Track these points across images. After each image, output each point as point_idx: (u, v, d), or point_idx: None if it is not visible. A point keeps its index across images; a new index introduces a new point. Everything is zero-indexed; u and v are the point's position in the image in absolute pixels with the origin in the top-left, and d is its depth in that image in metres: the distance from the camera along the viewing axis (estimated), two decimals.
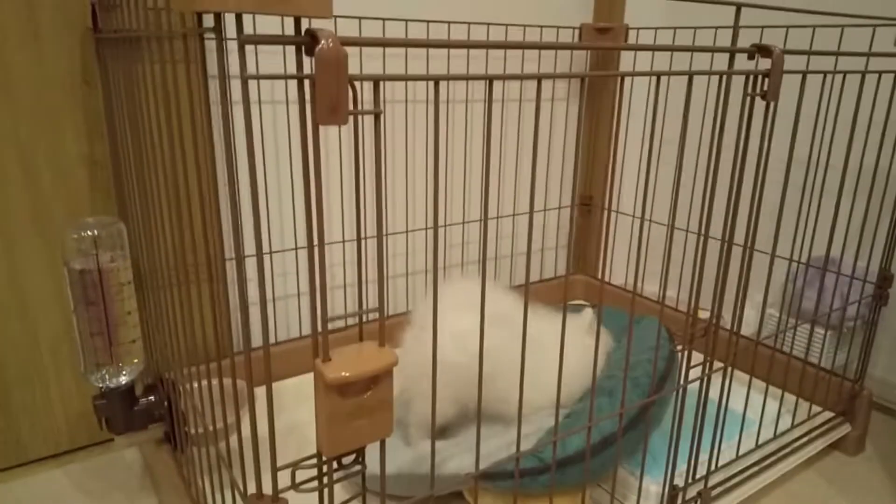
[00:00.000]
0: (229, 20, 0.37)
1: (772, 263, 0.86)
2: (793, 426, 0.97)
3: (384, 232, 0.55)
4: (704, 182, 0.66)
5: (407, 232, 1.29)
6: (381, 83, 0.41)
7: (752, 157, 0.68)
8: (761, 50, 0.60)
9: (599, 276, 1.50)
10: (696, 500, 0.80)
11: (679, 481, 0.80)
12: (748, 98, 0.62)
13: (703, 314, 0.78)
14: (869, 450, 1.06)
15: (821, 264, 1.05)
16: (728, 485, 0.87)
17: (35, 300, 0.94)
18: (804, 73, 0.73)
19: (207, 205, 1.04)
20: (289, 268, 1.19)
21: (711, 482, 0.84)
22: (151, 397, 0.86)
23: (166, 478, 0.86)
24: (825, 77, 0.84)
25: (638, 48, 0.55)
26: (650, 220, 1.45)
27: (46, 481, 0.96)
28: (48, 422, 0.99)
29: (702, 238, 0.69)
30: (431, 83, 0.43)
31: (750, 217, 0.75)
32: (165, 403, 0.85)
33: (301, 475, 0.49)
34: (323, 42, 0.36)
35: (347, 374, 0.43)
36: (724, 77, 0.61)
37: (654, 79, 0.56)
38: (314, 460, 0.48)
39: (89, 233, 0.76)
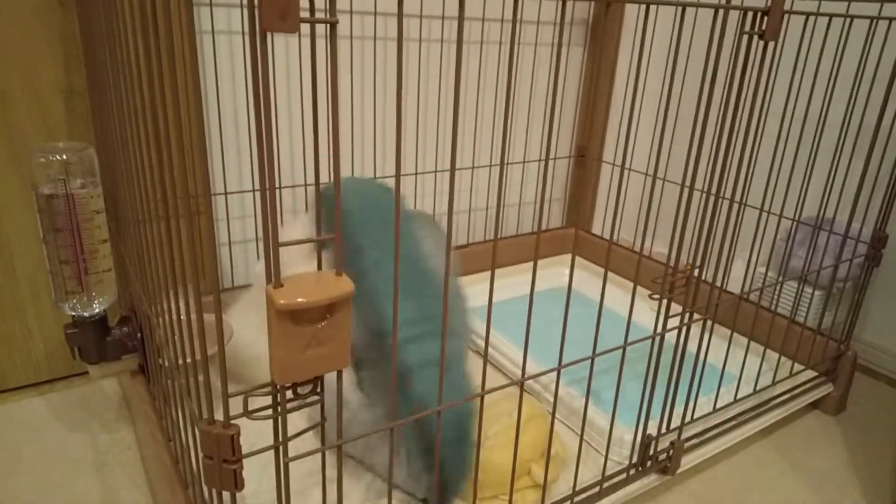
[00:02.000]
0: None
1: (759, 216, 0.84)
2: (774, 383, 0.97)
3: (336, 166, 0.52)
4: (692, 127, 0.63)
5: (416, 174, 1.27)
6: None
7: (747, 107, 0.65)
8: None
9: (589, 230, 1.48)
10: (668, 450, 0.80)
11: (654, 431, 0.79)
12: (744, 37, 0.59)
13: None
14: (850, 410, 1.06)
15: (813, 223, 1.02)
16: (703, 437, 0.86)
17: (11, 231, 0.93)
18: (807, 15, 0.69)
19: (195, 137, 1.01)
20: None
21: (686, 434, 0.84)
22: (125, 328, 0.85)
23: (140, 410, 0.86)
24: (830, 21, 0.80)
25: None
26: (629, 169, 1.42)
27: (26, 408, 0.96)
28: (27, 351, 0.99)
29: (686, 189, 0.66)
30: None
31: (739, 169, 0.73)
32: (139, 335, 0.84)
33: (259, 403, 0.48)
34: None
35: (299, 301, 0.41)
36: (721, 12, 0.57)
37: (643, 8, 0.53)
38: (268, 388, 0.46)
39: (58, 157, 0.73)
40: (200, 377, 0.49)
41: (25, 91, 0.88)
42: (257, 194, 1.13)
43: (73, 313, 0.80)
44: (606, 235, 1.55)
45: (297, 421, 0.84)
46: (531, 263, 1.41)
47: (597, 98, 1.42)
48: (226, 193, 1.09)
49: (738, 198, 0.82)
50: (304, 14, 0.37)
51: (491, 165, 1.37)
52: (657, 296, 0.68)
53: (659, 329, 0.69)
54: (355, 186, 0.90)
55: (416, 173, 1.28)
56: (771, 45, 0.60)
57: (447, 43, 1.22)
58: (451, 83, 1.26)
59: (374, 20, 1.13)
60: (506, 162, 1.39)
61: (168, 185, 0.53)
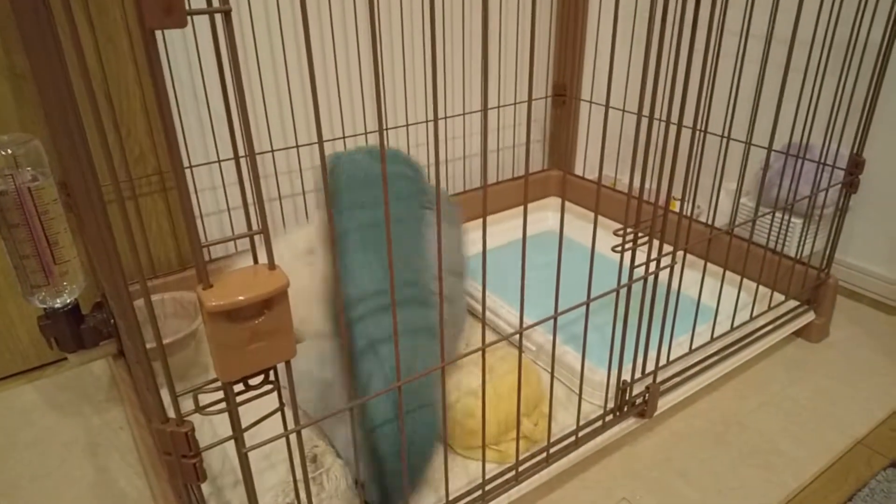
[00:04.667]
0: None
1: (725, 144, 0.81)
2: (753, 316, 0.97)
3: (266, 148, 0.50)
4: (647, 52, 0.60)
5: (407, 125, 1.25)
6: None
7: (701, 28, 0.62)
8: None
9: (572, 170, 1.46)
10: (643, 395, 0.81)
11: (630, 371, 0.80)
12: None
13: (675, 204, 0.74)
14: (833, 335, 1.07)
15: (788, 150, 1.00)
16: (681, 377, 0.87)
17: None
18: None
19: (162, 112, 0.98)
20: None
21: (664, 375, 0.84)
22: (99, 315, 0.85)
23: (126, 392, 0.87)
24: None
25: None
26: (608, 106, 1.38)
27: (17, 396, 0.98)
28: (11, 341, 1.00)
29: (652, 120, 0.64)
30: None
31: (700, 98, 0.70)
32: (112, 321, 0.84)
33: (214, 397, 0.48)
34: None
35: (231, 301, 0.41)
36: None
37: None
38: (217, 384, 0.46)
39: (3, 152, 0.71)
40: (150, 376, 0.49)
41: None
42: (241, 162, 1.11)
43: (44, 306, 0.80)
44: (585, 174, 1.53)
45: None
46: (514, 210, 1.40)
47: (574, 31, 1.37)
48: (191, 167, 1.07)
49: (704, 126, 0.79)
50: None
51: (462, 114, 1.33)
52: (619, 248, 0.67)
53: (624, 280, 0.69)
54: (350, 156, 0.88)
55: (386, 128, 1.26)
56: None
57: None
58: (422, 31, 1.21)
59: None
60: (485, 108, 1.36)
61: (114, 166, 0.52)
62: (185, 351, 0.93)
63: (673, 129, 0.71)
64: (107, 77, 0.94)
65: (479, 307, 1.05)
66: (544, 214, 1.42)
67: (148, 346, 0.48)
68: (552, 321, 0.65)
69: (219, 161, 1.10)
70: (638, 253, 0.68)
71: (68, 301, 0.81)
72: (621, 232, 0.67)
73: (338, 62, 1.15)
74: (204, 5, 0.37)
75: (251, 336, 0.44)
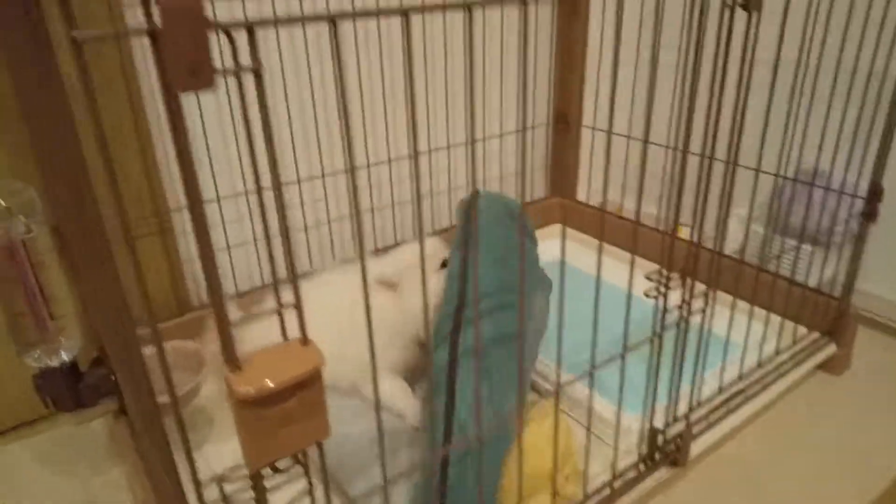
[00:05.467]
0: None
1: (731, 170, 0.79)
2: (777, 352, 0.94)
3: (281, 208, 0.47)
4: (680, 100, 0.58)
5: (389, 161, 1.21)
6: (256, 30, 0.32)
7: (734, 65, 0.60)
8: None
9: (574, 198, 1.44)
10: (676, 440, 0.77)
11: (660, 416, 0.76)
12: (726, 10, 0.53)
13: (685, 231, 0.71)
14: (854, 366, 1.04)
15: (807, 178, 0.98)
16: (710, 420, 0.84)
17: None
18: None
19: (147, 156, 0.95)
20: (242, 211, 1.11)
21: (693, 418, 0.81)
22: (98, 370, 0.80)
23: (128, 454, 0.82)
24: None
25: None
26: (610, 132, 1.36)
27: (9, 454, 0.92)
28: (2, 395, 0.94)
29: (679, 153, 0.62)
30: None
31: (733, 131, 0.68)
32: (112, 378, 0.79)
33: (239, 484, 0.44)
34: None
35: (260, 388, 0.37)
36: None
37: None
38: (243, 473, 0.42)
39: None
40: (170, 461, 0.45)
41: None
42: (255, 195, 1.07)
43: (39, 364, 0.75)
44: (588, 200, 1.51)
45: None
46: None
47: (573, 59, 1.35)
48: (218, 199, 1.04)
49: (731, 158, 0.77)
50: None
51: (447, 146, 1.31)
52: (654, 293, 0.64)
53: (658, 330, 0.66)
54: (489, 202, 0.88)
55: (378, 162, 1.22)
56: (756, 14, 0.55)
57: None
58: (429, 60, 1.19)
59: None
60: (476, 139, 1.33)
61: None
62: (191, 403, 0.89)
63: (684, 156, 0.68)
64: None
65: None
66: (550, 243, 1.39)
67: (160, 400, 0.43)
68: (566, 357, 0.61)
69: (217, 200, 1.06)
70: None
71: (65, 359, 0.76)
72: (654, 276, 0.64)
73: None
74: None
75: (282, 419, 0.40)
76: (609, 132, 0.52)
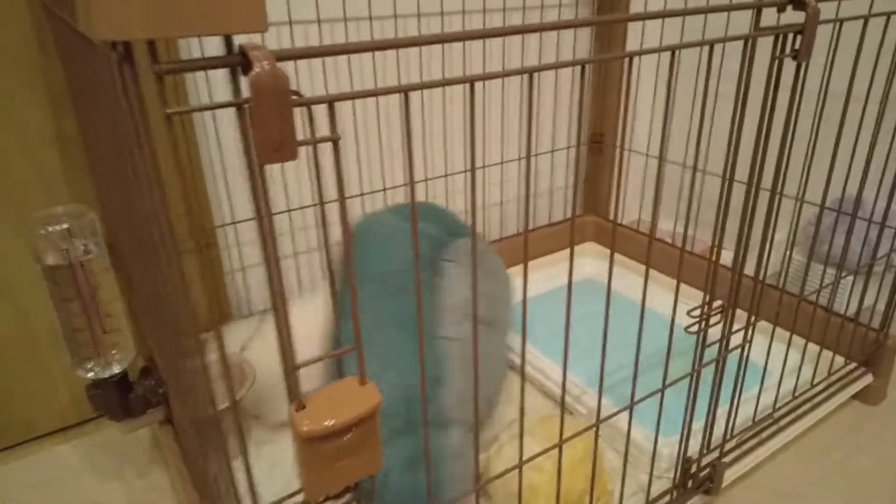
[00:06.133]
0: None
1: (800, 209, 0.79)
2: (813, 383, 0.94)
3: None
4: (728, 141, 0.59)
5: (446, 175, 1.26)
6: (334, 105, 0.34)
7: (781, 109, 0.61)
8: (793, 2, 0.51)
9: (611, 217, 1.44)
10: (709, 468, 0.78)
11: (694, 443, 0.77)
12: (776, 61, 0.54)
13: (723, 253, 0.72)
14: (891, 396, 1.03)
15: (849, 207, 0.98)
16: (744, 448, 0.84)
17: (22, 287, 0.91)
18: (840, 22, 0.63)
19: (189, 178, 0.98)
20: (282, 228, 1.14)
21: (727, 447, 0.81)
22: (147, 382, 0.84)
23: (172, 460, 0.85)
24: (866, 22, 0.73)
25: (647, 17, 0.46)
26: (661, 159, 1.37)
27: (56, 456, 0.96)
28: (52, 399, 0.99)
29: (727, 181, 0.62)
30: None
31: (779, 164, 0.68)
32: (160, 389, 0.83)
33: None
34: (257, 67, 0.30)
35: (325, 426, 0.39)
36: (749, 41, 0.53)
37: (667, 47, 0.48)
38: (300, 497, 0.44)
39: (59, 227, 0.71)
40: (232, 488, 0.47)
41: (15, 142, 0.85)
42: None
43: (93, 377, 0.79)
44: (622, 219, 1.51)
45: None
46: (549, 257, 1.38)
47: (608, 83, 1.36)
48: (234, 223, 1.06)
49: (776, 188, 0.78)
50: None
51: (496, 163, 1.32)
52: (693, 329, 0.65)
53: (697, 365, 0.66)
54: (371, 217, 0.87)
55: (423, 179, 1.25)
56: (804, 64, 0.55)
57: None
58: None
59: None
60: (525, 156, 1.35)
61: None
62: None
63: (730, 185, 0.69)
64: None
65: (530, 369, 1.03)
66: (582, 261, 1.40)
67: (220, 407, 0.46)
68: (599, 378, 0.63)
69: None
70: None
71: (117, 371, 0.80)
72: (696, 312, 0.64)
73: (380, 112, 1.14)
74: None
75: (339, 453, 0.42)
76: (661, 159, 0.53)
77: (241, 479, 0.45)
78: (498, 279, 0.94)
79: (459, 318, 0.84)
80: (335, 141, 0.34)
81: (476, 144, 1.25)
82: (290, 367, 0.39)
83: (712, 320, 0.65)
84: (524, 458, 0.64)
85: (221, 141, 1.01)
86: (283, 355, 0.39)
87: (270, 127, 0.30)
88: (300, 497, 0.45)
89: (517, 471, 0.72)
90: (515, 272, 1.31)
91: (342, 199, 0.36)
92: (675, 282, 0.69)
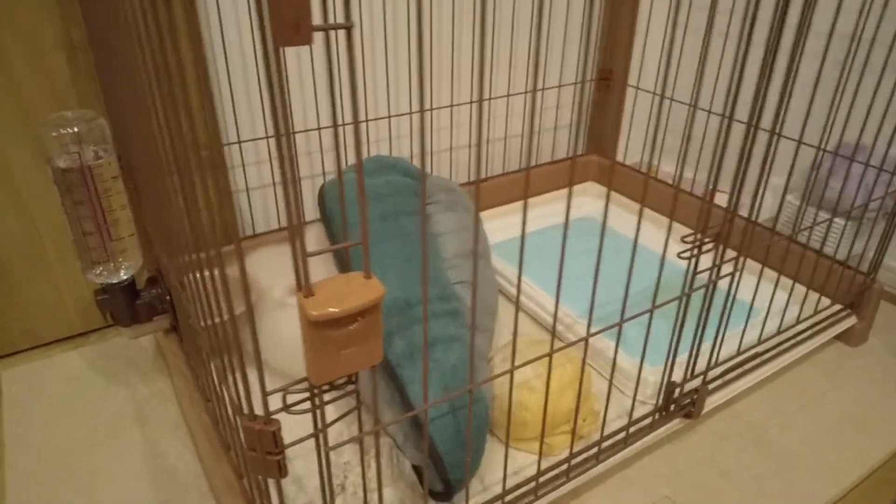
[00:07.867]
0: None
1: (797, 152, 0.80)
2: (798, 321, 0.97)
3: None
4: (733, 64, 0.59)
5: (451, 106, 1.27)
6: None
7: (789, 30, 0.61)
8: None
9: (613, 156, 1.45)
10: (692, 394, 0.82)
11: (678, 371, 0.80)
12: None
13: (719, 196, 0.73)
14: (872, 341, 1.06)
15: (848, 151, 0.99)
16: (726, 378, 0.88)
17: (29, 195, 0.92)
18: None
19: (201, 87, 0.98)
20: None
21: (709, 376, 0.85)
22: (153, 290, 0.86)
23: (176, 366, 0.89)
24: None
25: None
26: (671, 99, 1.36)
27: (63, 363, 1.00)
28: (58, 308, 1.01)
29: (726, 120, 0.64)
30: None
31: (781, 102, 0.69)
32: (167, 297, 0.85)
33: (294, 397, 0.49)
34: None
35: (331, 311, 0.41)
36: None
37: None
38: (305, 384, 0.47)
39: (70, 130, 0.71)
40: (239, 374, 0.50)
41: (24, 48, 0.85)
42: (272, 141, 1.10)
43: (101, 281, 0.81)
44: (625, 160, 1.52)
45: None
46: (549, 194, 1.39)
47: (619, 17, 1.34)
48: (239, 142, 1.07)
49: (776, 128, 0.79)
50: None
51: (501, 95, 1.32)
52: (686, 253, 0.67)
53: (686, 289, 0.69)
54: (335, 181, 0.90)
55: (410, 112, 1.25)
56: None
57: None
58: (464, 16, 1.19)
59: None
60: (532, 90, 1.34)
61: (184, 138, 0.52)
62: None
63: (729, 123, 0.70)
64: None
65: (524, 299, 1.06)
66: (582, 200, 1.41)
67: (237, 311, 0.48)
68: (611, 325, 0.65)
69: (267, 138, 1.09)
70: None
71: (124, 277, 0.82)
72: (689, 238, 0.66)
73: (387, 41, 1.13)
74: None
75: (344, 341, 0.44)
76: (662, 95, 0.54)
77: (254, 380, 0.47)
78: (471, 213, 0.97)
79: (456, 248, 0.87)
80: (349, 28, 0.35)
81: (483, 76, 1.24)
82: (301, 256, 0.41)
83: (705, 248, 0.67)
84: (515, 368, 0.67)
85: (228, 50, 1.01)
86: (292, 243, 0.41)
87: (287, 5, 0.31)
88: (305, 385, 0.48)
89: (509, 395, 0.76)
90: (515, 208, 1.32)
91: (354, 92, 0.37)
92: (674, 223, 0.72)
